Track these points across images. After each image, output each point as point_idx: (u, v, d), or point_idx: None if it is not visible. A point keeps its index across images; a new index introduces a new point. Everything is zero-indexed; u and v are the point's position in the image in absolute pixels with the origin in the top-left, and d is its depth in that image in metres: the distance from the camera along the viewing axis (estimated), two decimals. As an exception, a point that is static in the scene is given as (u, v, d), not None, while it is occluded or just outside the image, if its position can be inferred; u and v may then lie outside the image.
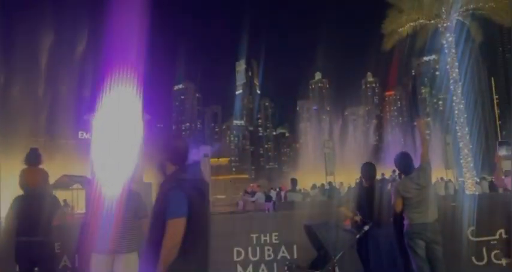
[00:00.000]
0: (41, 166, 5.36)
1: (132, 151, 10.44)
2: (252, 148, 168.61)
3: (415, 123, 5.56)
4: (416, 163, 5.36)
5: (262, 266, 5.63)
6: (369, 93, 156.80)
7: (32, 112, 31.76)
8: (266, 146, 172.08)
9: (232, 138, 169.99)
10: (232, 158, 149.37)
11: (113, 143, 10.18)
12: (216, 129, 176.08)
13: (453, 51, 25.17)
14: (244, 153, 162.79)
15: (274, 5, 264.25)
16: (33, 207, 5.01)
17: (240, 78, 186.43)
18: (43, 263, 5.04)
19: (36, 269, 5.09)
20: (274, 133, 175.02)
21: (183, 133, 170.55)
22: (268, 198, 14.78)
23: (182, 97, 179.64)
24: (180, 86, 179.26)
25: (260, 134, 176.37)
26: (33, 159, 5.31)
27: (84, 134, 35.58)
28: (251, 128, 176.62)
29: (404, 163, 5.26)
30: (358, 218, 5.11)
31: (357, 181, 5.71)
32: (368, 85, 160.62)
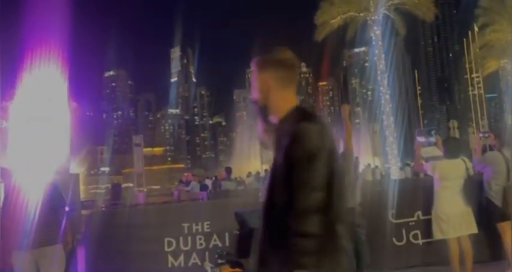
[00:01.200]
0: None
1: (55, 140, 9.91)
2: (188, 137, 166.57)
3: (340, 109, 5.76)
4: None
5: (194, 255, 5.60)
6: (303, 83, 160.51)
7: None
8: (202, 135, 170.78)
9: (167, 127, 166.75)
10: (168, 147, 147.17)
11: (33, 132, 9.59)
12: (150, 118, 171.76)
13: (380, 43, 26.44)
14: (180, 142, 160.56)
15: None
16: None
17: (175, 66, 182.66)
18: None
19: None
20: (211, 122, 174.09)
21: (115, 121, 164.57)
22: (203, 187, 14.73)
23: (113, 84, 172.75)
24: (111, 73, 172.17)
25: (196, 123, 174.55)
26: None
27: (4, 123, 33.17)
28: (187, 117, 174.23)
29: None
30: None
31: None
32: (302, 75, 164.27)
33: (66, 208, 4.65)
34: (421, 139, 5.75)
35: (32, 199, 4.28)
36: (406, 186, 10.74)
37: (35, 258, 4.25)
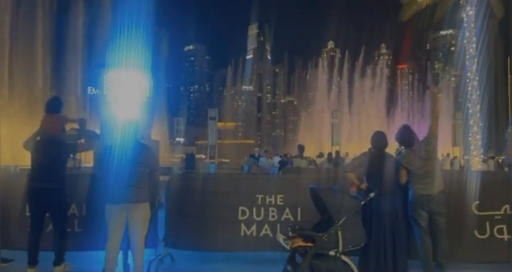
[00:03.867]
0: (60, 114, 5.41)
1: (141, 108, 10.49)
2: (259, 115, 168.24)
3: (430, 90, 5.49)
4: (422, 136, 5.35)
5: (266, 226, 5.73)
6: (381, 65, 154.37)
7: (41, 66, 31.69)
8: (273, 113, 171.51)
9: (240, 103, 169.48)
10: (239, 123, 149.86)
11: (124, 99, 10.23)
12: (225, 93, 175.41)
13: (472, 25, 24.52)
14: (251, 118, 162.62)
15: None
16: (49, 154, 5.08)
17: (252, 42, 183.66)
18: (55, 210, 5.15)
19: (47, 215, 5.21)
20: (283, 100, 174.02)
21: (191, 95, 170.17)
22: (282, 163, 14.69)
23: (192, 58, 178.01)
24: (191, 47, 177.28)
25: (268, 101, 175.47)
26: (52, 106, 5.36)
27: (94, 90, 35.57)
28: (259, 94, 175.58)
29: (404, 136, 5.27)
30: (364, 185, 5.14)
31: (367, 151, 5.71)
32: (381, 57, 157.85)
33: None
34: (515, 128, 5.36)
35: (127, 158, 4.60)
36: (492, 178, 10.05)
37: (126, 212, 4.60)
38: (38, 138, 5.22)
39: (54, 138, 5.18)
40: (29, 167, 5.26)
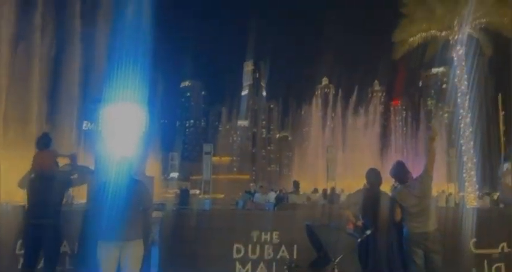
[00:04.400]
0: (50, 149, 5.41)
1: (136, 143, 10.48)
2: (254, 150, 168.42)
3: (428, 139, 5.55)
4: (417, 174, 5.37)
5: (261, 264, 5.63)
6: (375, 102, 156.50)
7: (36, 100, 31.83)
8: (268, 148, 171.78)
9: (235, 138, 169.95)
10: (234, 158, 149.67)
11: (119, 134, 10.21)
12: (220, 128, 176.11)
13: (463, 64, 25.14)
14: (247, 153, 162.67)
15: (284, 8, 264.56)
16: (43, 190, 5.04)
17: (247, 79, 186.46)
18: (50, 246, 5.05)
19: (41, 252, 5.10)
20: (278, 136, 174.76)
21: (187, 130, 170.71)
22: (279, 199, 14.53)
23: (188, 94, 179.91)
24: (187, 83, 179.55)
25: (263, 136, 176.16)
26: (42, 142, 5.37)
27: (89, 124, 35.56)
28: (255, 129, 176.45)
29: (399, 172, 5.31)
30: (360, 223, 5.11)
31: (361, 187, 5.72)
32: (374, 94, 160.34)
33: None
34: (508, 165, 5.40)
35: (122, 195, 4.57)
36: (489, 215, 9.98)
37: (118, 250, 4.52)
38: (32, 175, 5.20)
39: (47, 174, 5.16)
40: (22, 204, 5.21)
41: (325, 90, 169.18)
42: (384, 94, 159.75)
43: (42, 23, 32.09)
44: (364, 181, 5.45)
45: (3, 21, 29.56)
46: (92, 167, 6.92)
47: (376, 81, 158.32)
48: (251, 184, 23.38)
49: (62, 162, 5.67)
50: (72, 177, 5.60)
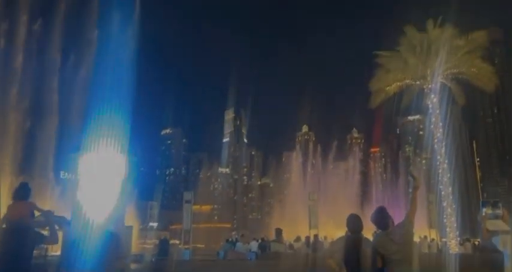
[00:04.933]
0: (28, 201, 5.23)
1: (115, 193, 10.28)
2: (235, 197, 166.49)
3: (413, 188, 5.59)
4: (397, 220, 5.37)
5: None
6: (354, 149, 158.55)
7: (12, 150, 31.19)
8: (250, 195, 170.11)
9: (216, 186, 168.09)
10: (215, 206, 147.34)
11: (97, 184, 10.03)
12: (201, 176, 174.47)
13: (437, 111, 26.01)
14: (228, 201, 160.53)
15: (265, 57, 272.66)
16: (14, 242, 4.82)
17: (228, 126, 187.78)
18: None
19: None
20: (259, 182, 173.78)
21: (167, 178, 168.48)
22: (262, 247, 14.19)
23: (169, 141, 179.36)
24: (168, 130, 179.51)
25: (245, 183, 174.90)
26: (20, 193, 5.20)
27: (66, 174, 34.89)
28: (236, 176, 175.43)
29: (379, 218, 5.27)
30: (344, 271, 5.03)
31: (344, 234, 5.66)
32: (353, 141, 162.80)
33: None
34: (486, 210, 5.46)
35: (92, 247, 4.44)
36: (470, 261, 9.92)
37: None
38: (4, 225, 4.99)
39: (20, 226, 4.96)
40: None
41: (305, 137, 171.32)
42: (363, 141, 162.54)
43: (19, 69, 32.09)
44: (346, 228, 5.42)
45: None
46: (69, 217, 6.73)
47: (354, 129, 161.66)
48: (233, 233, 22.91)
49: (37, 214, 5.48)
50: (44, 233, 5.37)
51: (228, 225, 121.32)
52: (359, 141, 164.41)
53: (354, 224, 5.30)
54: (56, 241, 5.49)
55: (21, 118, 31.89)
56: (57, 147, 33.98)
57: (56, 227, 5.39)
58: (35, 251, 5.33)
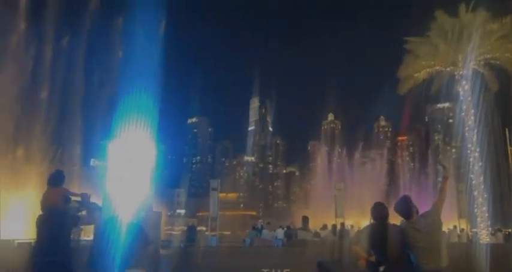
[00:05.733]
0: (62, 187, 5.41)
1: (144, 180, 10.46)
2: (261, 185, 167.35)
3: (442, 177, 5.51)
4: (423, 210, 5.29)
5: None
6: (381, 137, 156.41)
7: (44, 137, 32.12)
8: (275, 184, 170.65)
9: (242, 174, 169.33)
10: (241, 194, 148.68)
11: (127, 171, 10.23)
12: (227, 164, 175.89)
13: (469, 98, 25.31)
14: (254, 189, 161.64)
15: (290, 45, 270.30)
16: (51, 227, 5.01)
17: (253, 115, 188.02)
18: None
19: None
20: (284, 171, 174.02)
21: (193, 166, 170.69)
22: (288, 235, 14.29)
23: (195, 130, 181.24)
24: (194, 119, 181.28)
25: (270, 171, 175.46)
26: (54, 179, 5.39)
27: (96, 161, 35.83)
28: (261, 165, 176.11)
29: (403, 207, 5.22)
30: (372, 258, 5.01)
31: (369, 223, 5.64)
32: (380, 129, 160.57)
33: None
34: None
35: (121, 233, 4.55)
36: (502, 251, 9.71)
37: None
38: (40, 212, 5.19)
39: (55, 211, 5.14)
40: (27, 241, 5.17)
41: (331, 125, 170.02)
42: (390, 129, 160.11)
43: (49, 58, 32.82)
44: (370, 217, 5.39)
45: (9, 59, 30.34)
46: (100, 203, 6.91)
47: (381, 116, 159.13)
48: (259, 220, 23.08)
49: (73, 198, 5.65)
50: (80, 214, 5.56)
51: (254, 213, 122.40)
52: (386, 129, 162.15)
53: (378, 211, 5.27)
54: (91, 222, 5.68)
55: (51, 107, 32.75)
56: (86, 135, 34.81)
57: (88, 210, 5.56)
58: (71, 235, 5.52)
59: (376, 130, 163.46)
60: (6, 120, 29.00)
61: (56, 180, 5.41)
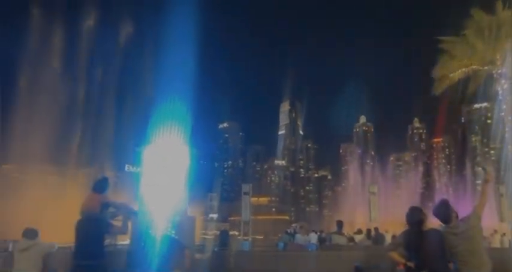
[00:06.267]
0: (104, 194, 5.53)
1: (178, 185, 10.59)
2: (292, 189, 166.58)
3: (483, 181, 5.34)
4: (463, 214, 5.14)
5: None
6: (416, 139, 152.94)
7: (82, 144, 33.14)
8: (307, 188, 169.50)
9: (273, 178, 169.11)
10: (273, 198, 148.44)
11: (161, 176, 10.39)
12: (258, 168, 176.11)
13: (508, 98, 24.45)
14: (285, 193, 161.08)
15: (321, 47, 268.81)
16: (87, 231, 5.16)
17: (284, 119, 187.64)
18: None
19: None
20: (316, 175, 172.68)
21: (225, 170, 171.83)
22: (322, 240, 14.18)
23: (226, 135, 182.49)
24: (225, 124, 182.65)
25: (302, 175, 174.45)
26: (98, 186, 5.52)
27: (130, 167, 36.54)
28: (292, 169, 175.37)
29: (441, 211, 5.07)
30: (411, 264, 4.89)
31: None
32: (415, 131, 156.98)
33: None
34: None
35: (157, 239, 4.62)
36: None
37: None
38: (79, 217, 5.34)
39: (92, 217, 5.27)
40: (68, 245, 5.32)
41: (363, 128, 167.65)
42: (425, 131, 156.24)
43: (87, 68, 33.92)
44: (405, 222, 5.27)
45: (49, 70, 31.51)
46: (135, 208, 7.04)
47: (415, 118, 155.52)
48: (292, 225, 22.97)
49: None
50: (114, 223, 5.62)
51: (286, 217, 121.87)
52: (421, 131, 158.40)
53: (413, 216, 5.13)
54: (125, 232, 5.79)
55: (86, 114, 33.79)
56: (120, 141, 35.69)
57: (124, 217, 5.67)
58: (106, 240, 5.64)
59: (410, 132, 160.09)
60: (47, 126, 30.17)
61: (100, 186, 5.54)
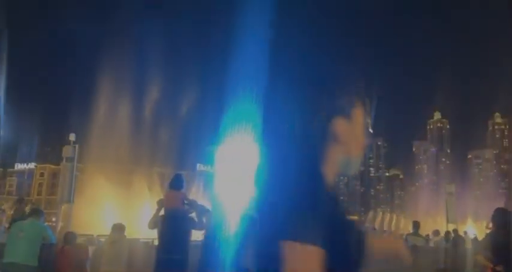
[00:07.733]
0: (183, 190, 5.84)
1: (250, 183, 10.79)
2: (362, 189, 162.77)
3: None
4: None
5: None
6: (497, 135, 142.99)
7: (155, 143, 34.75)
8: (378, 187, 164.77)
9: (341, 177, 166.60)
10: (342, 198, 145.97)
11: (235, 175, 10.66)
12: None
13: None
14: (354, 193, 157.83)
15: (391, 42, 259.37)
16: (173, 227, 5.47)
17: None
18: None
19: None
20: (387, 174, 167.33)
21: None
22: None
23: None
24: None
25: (372, 174, 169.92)
26: (176, 183, 5.84)
27: (202, 166, 37.75)
28: (362, 168, 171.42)
29: (500, 219, 4.73)
30: (500, 268, 4.64)
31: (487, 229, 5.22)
32: (496, 127, 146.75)
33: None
34: None
35: (232, 235, 4.75)
36: None
37: None
38: (163, 213, 5.65)
39: (176, 213, 5.57)
40: (150, 239, 5.63)
41: (438, 124, 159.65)
42: (507, 126, 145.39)
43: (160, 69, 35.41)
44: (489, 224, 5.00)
45: (123, 72, 33.29)
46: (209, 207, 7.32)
47: (496, 113, 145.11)
48: (366, 225, 22.48)
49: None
50: (192, 218, 5.91)
51: (356, 217, 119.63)
52: (502, 126, 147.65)
53: (502, 219, 4.84)
54: (202, 226, 6.06)
55: (158, 115, 35.34)
56: (193, 141, 37.00)
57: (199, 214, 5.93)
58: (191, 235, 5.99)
59: (490, 128, 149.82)
60: (123, 128, 32.03)
61: (177, 183, 5.85)
